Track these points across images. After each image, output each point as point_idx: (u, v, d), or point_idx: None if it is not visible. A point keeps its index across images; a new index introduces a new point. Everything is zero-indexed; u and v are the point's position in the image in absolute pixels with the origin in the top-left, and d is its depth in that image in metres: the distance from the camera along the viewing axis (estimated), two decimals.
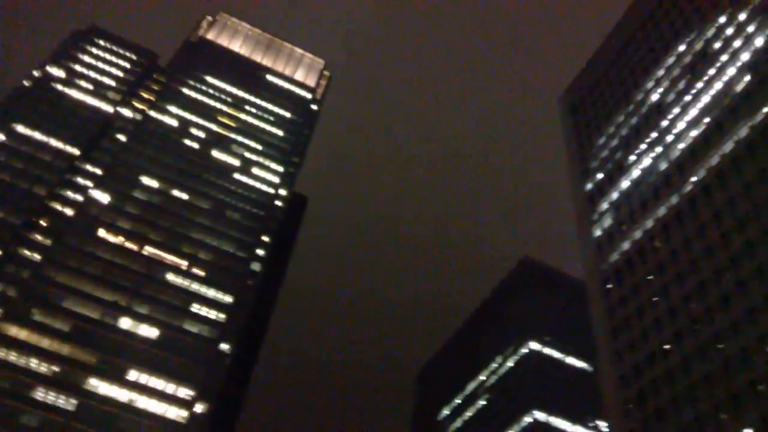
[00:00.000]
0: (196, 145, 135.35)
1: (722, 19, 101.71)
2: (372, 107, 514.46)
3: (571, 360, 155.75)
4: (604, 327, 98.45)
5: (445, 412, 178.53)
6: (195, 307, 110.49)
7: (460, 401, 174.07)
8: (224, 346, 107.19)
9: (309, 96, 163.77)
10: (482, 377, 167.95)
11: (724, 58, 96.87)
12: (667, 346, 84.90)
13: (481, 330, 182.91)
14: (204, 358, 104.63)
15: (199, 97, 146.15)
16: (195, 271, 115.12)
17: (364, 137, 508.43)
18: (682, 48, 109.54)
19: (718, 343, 77.13)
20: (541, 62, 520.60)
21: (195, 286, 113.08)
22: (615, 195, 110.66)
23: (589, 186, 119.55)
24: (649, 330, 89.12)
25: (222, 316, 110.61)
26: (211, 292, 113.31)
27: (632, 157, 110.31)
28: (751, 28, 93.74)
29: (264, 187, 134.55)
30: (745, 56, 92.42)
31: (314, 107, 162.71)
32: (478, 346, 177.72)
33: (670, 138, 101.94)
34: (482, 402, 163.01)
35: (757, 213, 78.32)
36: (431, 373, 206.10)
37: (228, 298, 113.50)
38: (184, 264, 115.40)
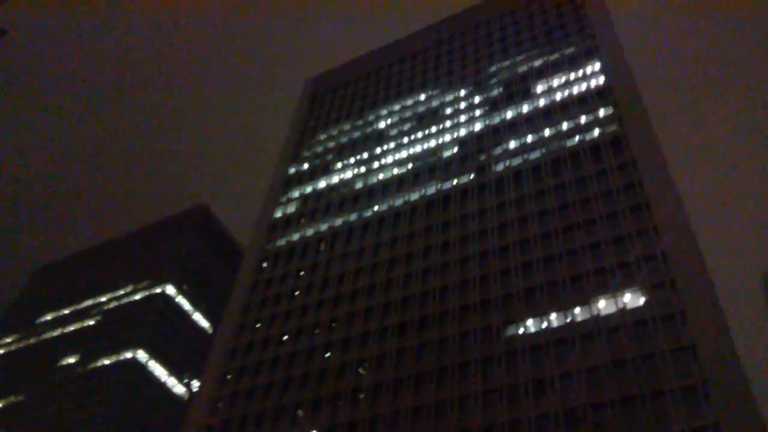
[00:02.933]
0: None
1: (462, 92, 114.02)
2: None
3: (197, 316, 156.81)
4: (242, 300, 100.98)
5: (48, 317, 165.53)
6: None
7: (67, 312, 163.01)
8: None
9: None
10: (103, 298, 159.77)
11: (447, 124, 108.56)
12: (285, 337, 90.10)
13: (127, 252, 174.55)
14: None
15: None
16: None
17: None
18: (422, 97, 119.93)
19: (324, 353, 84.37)
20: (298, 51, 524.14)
21: None
22: (308, 189, 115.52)
23: (292, 170, 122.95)
24: (278, 318, 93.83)
25: None
26: None
27: (338, 164, 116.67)
28: (477, 112, 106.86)
29: None
30: (462, 131, 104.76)
31: None
32: (116, 267, 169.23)
33: (375, 165, 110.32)
34: (91, 322, 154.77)
35: (397, 263, 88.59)
36: (51, 275, 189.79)
37: None
38: None
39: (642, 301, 67.90)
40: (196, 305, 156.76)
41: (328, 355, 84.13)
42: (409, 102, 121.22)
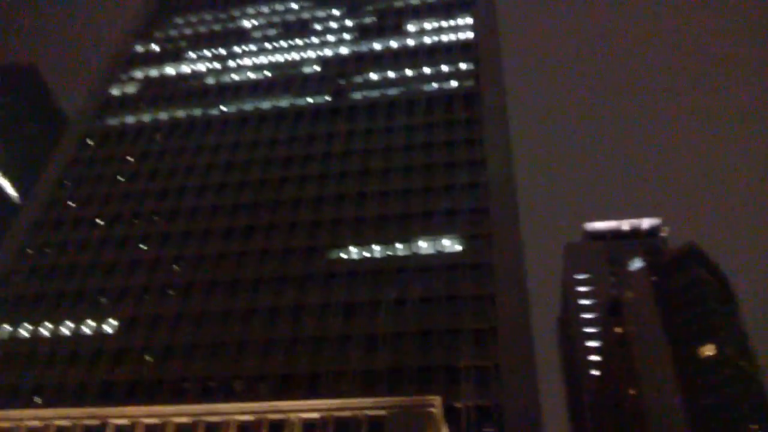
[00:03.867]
0: None
1: (335, 11, 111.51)
2: None
3: (4, 182, 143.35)
4: (58, 173, 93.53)
5: None
6: None
7: None
8: None
9: None
10: None
11: (313, 40, 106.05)
12: (99, 221, 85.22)
13: None
14: None
15: None
16: None
17: None
18: (293, 5, 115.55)
19: (139, 243, 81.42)
20: None
21: None
22: (154, 72, 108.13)
23: (139, 48, 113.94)
24: (95, 199, 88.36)
25: None
26: None
27: (192, 54, 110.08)
28: (346, 35, 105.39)
29: None
30: (327, 51, 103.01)
31: None
32: None
33: (231, 64, 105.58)
34: None
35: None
36: None
37: None
38: None
39: (458, 248, 72.55)
40: (5, 170, 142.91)
41: (143, 246, 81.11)
42: (279, 8, 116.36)
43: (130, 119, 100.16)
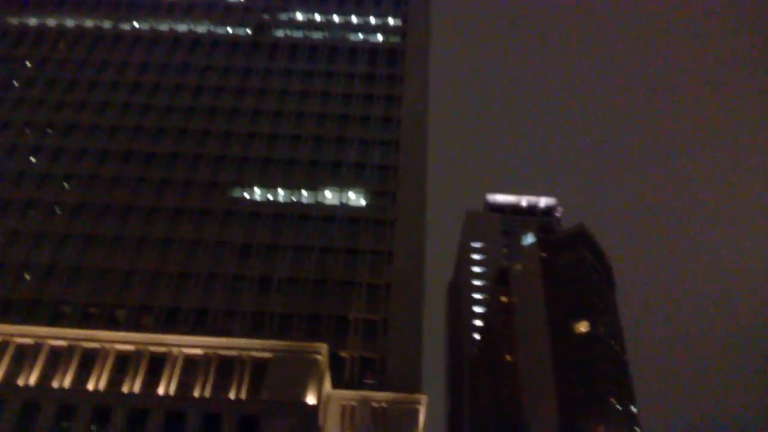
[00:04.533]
0: None
1: None
2: None
3: None
4: None
5: None
6: None
7: None
8: None
9: None
10: None
11: None
12: None
13: None
14: None
15: None
16: None
17: None
18: None
19: (30, 156, 76.46)
20: None
21: None
22: None
23: None
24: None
25: None
26: None
27: None
28: None
29: None
30: None
31: None
32: None
33: None
34: None
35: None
36: None
37: None
38: None
39: (363, 202, 72.86)
40: None
41: (32, 159, 76.17)
42: None
43: (32, 21, 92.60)
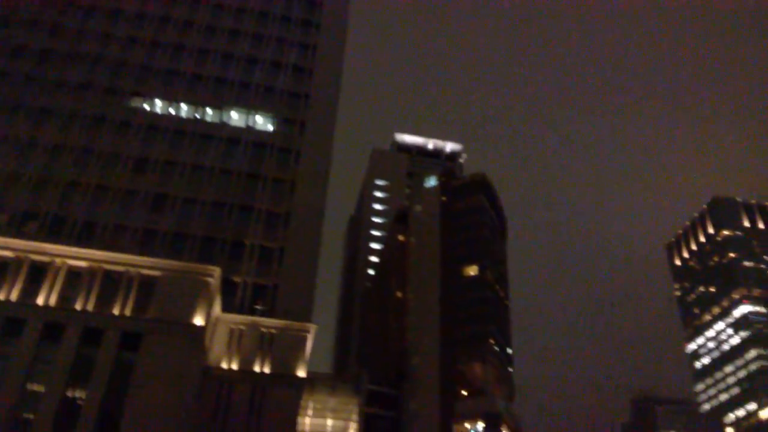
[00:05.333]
0: None
1: None
2: None
3: None
4: None
5: None
6: None
7: None
8: None
9: None
10: None
11: None
12: None
13: None
14: None
15: None
16: None
17: None
18: None
19: None
20: None
21: None
22: None
23: None
24: None
25: None
26: None
27: None
28: None
29: None
30: None
31: None
32: None
33: None
34: None
35: None
36: None
37: None
38: None
39: (270, 128, 71.24)
40: None
41: None
42: None
43: None
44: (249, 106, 71.65)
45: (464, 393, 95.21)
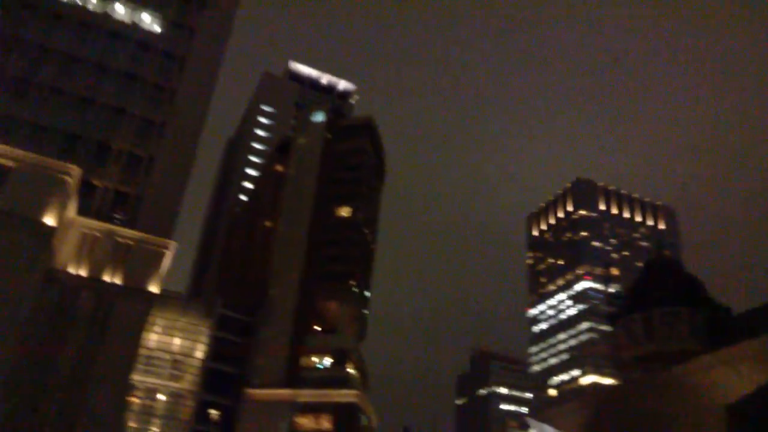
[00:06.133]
0: None
1: None
2: None
3: None
4: None
5: None
6: None
7: None
8: None
9: None
10: None
11: None
12: None
13: None
14: None
15: None
16: None
17: None
18: None
19: None
20: None
21: None
22: None
23: None
24: None
25: None
26: None
27: None
28: None
29: None
30: None
31: None
32: None
33: None
34: None
35: None
36: None
37: None
38: None
39: (157, 29, 66.66)
40: None
41: None
42: None
43: None
44: (137, 1, 66.43)
45: (317, 328, 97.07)
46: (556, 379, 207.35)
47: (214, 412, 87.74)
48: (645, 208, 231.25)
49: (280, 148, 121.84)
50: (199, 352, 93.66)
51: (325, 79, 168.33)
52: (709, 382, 23.88)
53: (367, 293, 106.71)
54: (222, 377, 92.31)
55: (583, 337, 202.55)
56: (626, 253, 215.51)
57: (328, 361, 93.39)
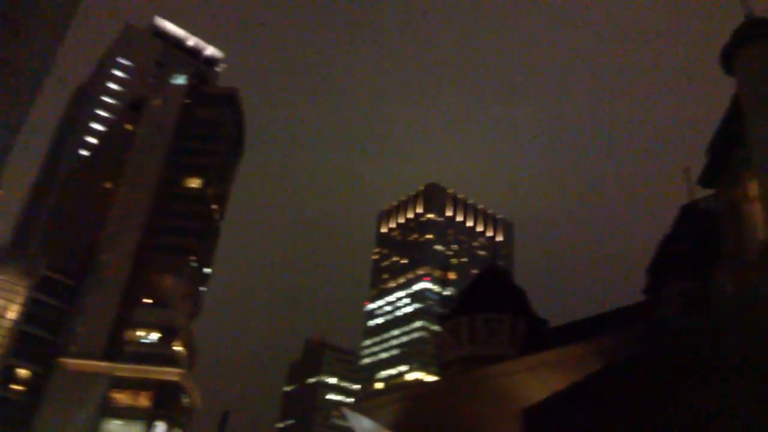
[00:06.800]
0: None
1: None
2: None
3: None
4: None
5: None
6: None
7: None
8: None
9: None
10: None
11: None
12: None
13: None
14: None
15: None
16: None
17: None
18: None
19: None
20: None
21: None
22: None
23: None
24: None
25: None
26: None
27: None
28: None
29: None
30: None
31: None
32: None
33: None
34: None
35: None
36: None
37: None
38: None
39: None
40: None
41: None
42: None
43: None
44: None
45: (148, 301, 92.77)
46: (384, 373, 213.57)
47: (20, 377, 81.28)
48: (487, 219, 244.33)
49: (132, 106, 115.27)
50: (12, 313, 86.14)
51: (192, 41, 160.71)
52: (512, 385, 25.68)
53: (207, 270, 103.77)
54: (35, 342, 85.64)
55: (415, 335, 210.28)
56: (465, 259, 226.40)
57: (155, 336, 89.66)
